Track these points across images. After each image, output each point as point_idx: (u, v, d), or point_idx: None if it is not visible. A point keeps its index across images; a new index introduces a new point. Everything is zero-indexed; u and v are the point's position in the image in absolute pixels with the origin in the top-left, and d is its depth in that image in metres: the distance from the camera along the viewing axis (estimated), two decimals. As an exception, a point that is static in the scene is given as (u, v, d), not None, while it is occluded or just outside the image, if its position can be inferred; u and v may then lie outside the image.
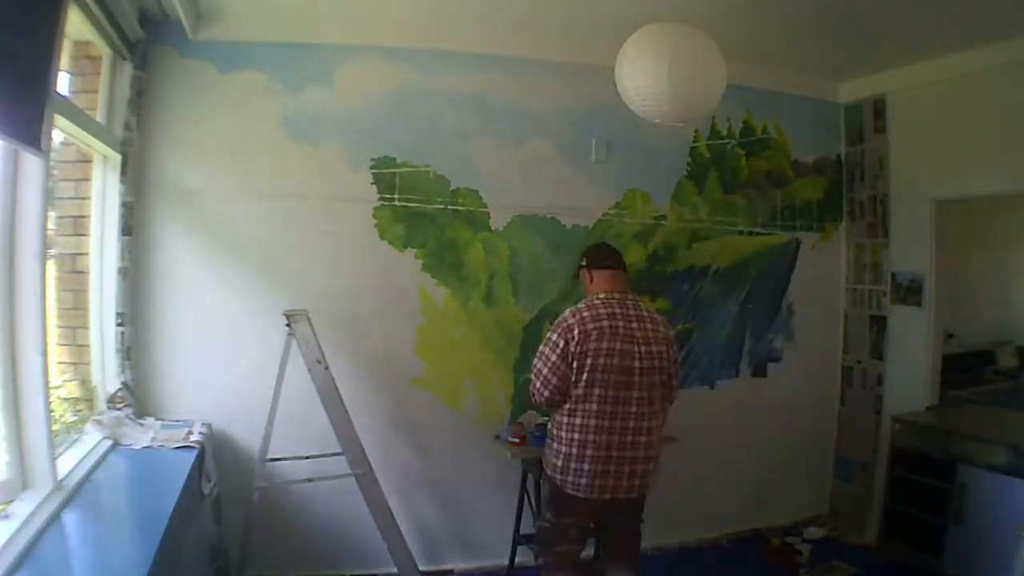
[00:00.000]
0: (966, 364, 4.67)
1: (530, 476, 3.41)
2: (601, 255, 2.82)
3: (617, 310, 2.60)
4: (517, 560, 3.63)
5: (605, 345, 2.51)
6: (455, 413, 3.68)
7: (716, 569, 3.92)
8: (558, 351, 2.54)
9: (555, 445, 2.63)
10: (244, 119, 3.38)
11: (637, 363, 2.54)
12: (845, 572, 3.70)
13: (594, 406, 2.52)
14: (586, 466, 2.54)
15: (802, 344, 4.39)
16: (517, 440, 3.43)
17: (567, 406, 2.57)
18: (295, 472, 3.11)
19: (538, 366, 2.60)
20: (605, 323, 2.55)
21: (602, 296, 2.65)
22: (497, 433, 3.57)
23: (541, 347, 2.63)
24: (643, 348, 2.56)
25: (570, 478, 2.57)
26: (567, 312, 2.63)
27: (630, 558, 2.79)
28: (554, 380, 2.54)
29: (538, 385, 2.60)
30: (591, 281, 2.77)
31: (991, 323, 5.06)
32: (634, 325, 2.59)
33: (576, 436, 2.54)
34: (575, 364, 2.52)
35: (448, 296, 3.67)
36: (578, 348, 2.51)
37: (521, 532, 3.55)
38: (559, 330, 2.58)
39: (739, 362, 4.27)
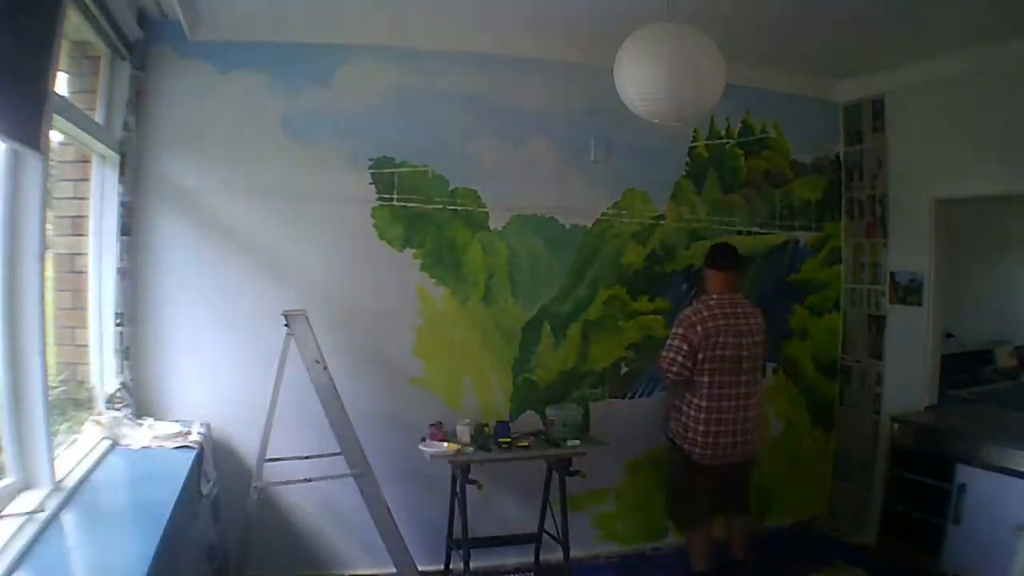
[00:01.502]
0: (965, 364, 4.66)
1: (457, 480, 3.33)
2: (715, 258, 3.47)
3: (728, 309, 3.31)
4: (517, 560, 3.65)
5: (721, 339, 3.24)
6: (454, 413, 3.67)
7: (715, 569, 3.92)
8: (687, 342, 3.26)
9: (683, 419, 3.35)
10: (243, 119, 3.38)
11: (745, 352, 3.28)
12: (848, 572, 3.71)
13: (714, 391, 3.26)
14: (711, 439, 3.27)
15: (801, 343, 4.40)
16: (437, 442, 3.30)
17: (693, 389, 3.30)
18: (294, 472, 3.11)
19: (671, 356, 3.30)
20: (720, 321, 3.26)
21: (715, 298, 3.35)
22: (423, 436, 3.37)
23: (670, 340, 3.35)
24: (747, 340, 3.29)
25: (696, 450, 3.30)
26: (689, 311, 3.35)
27: (743, 511, 3.54)
28: (687, 364, 3.26)
29: (675, 369, 3.29)
30: (708, 280, 3.47)
31: (990, 323, 5.05)
32: (742, 322, 3.31)
33: (702, 415, 3.27)
34: (700, 356, 3.23)
35: (447, 296, 3.67)
36: (701, 342, 3.23)
37: (515, 532, 3.57)
38: (685, 324, 3.30)
39: (738, 362, 4.26)
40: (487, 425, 3.44)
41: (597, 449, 3.49)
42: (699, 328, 3.24)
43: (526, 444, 3.40)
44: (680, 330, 3.31)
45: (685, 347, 3.25)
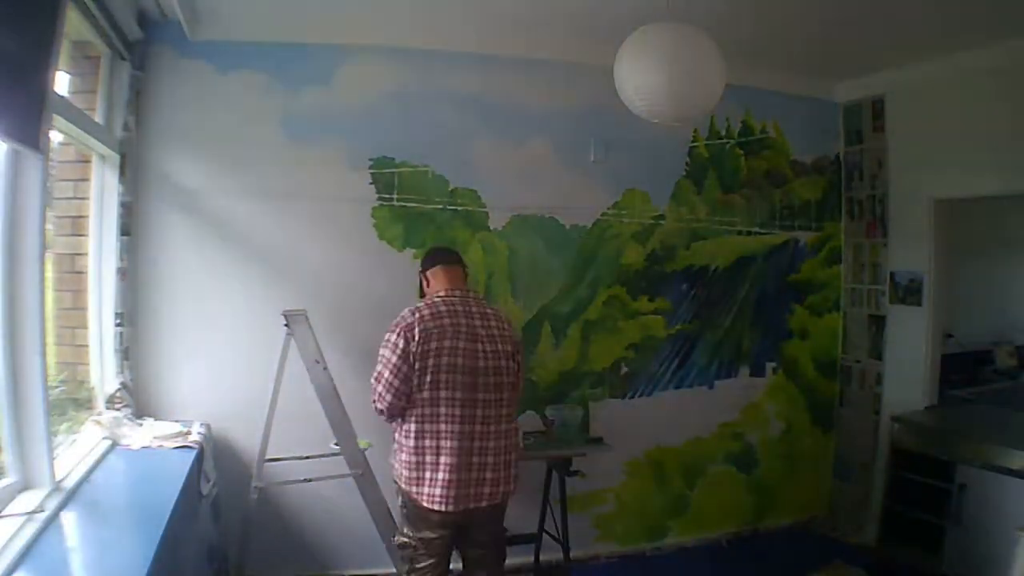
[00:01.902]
0: (965, 364, 4.67)
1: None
2: (435, 255, 2.74)
3: (459, 307, 2.51)
4: (517, 560, 3.65)
5: (448, 343, 2.41)
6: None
7: (715, 570, 3.92)
8: (399, 352, 2.39)
9: (404, 456, 2.46)
10: (243, 119, 3.38)
11: (482, 362, 2.46)
12: (848, 572, 3.71)
13: (441, 410, 2.40)
14: (440, 475, 2.39)
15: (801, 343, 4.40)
16: None
17: (414, 412, 2.42)
18: (294, 472, 3.11)
19: (378, 369, 2.44)
20: (446, 320, 2.45)
21: (441, 295, 2.56)
22: None
23: (380, 350, 2.46)
24: (488, 347, 2.48)
25: (425, 489, 2.41)
26: (406, 311, 2.49)
27: (494, 571, 2.66)
28: (396, 383, 2.39)
29: (380, 390, 2.42)
30: (427, 284, 2.69)
31: (990, 323, 5.06)
32: (477, 323, 2.51)
33: (426, 443, 2.40)
34: (417, 365, 2.39)
35: (447, 296, 3.66)
36: (419, 348, 2.38)
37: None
38: (398, 330, 2.43)
39: (738, 362, 4.27)
40: None
41: (597, 449, 3.49)
42: (417, 329, 2.40)
43: (527, 444, 3.39)
44: (392, 337, 2.43)
45: (396, 360, 2.39)
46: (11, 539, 1.75)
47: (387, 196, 3.57)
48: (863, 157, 4.35)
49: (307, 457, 3.15)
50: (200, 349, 3.33)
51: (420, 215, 3.62)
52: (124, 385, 3.09)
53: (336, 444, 3.05)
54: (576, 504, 3.69)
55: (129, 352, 3.16)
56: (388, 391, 2.41)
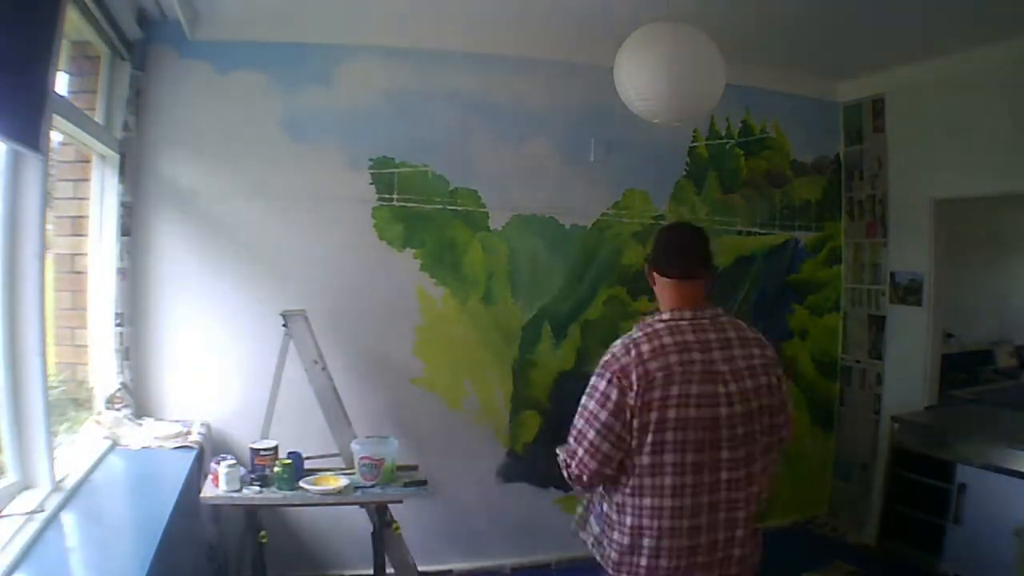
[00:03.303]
0: (965, 364, 4.67)
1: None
2: (668, 252, 1.98)
3: (690, 337, 1.84)
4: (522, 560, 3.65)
5: (676, 391, 1.77)
6: (454, 413, 3.68)
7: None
8: (611, 405, 1.78)
9: (616, 536, 1.89)
10: (243, 119, 3.38)
11: (725, 409, 1.79)
12: (848, 572, 3.71)
13: (668, 480, 1.78)
14: (663, 562, 1.81)
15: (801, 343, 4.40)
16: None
17: (629, 482, 1.82)
18: (294, 472, 3.10)
19: (580, 427, 1.84)
20: (674, 358, 1.80)
21: (666, 318, 1.90)
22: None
23: (584, 399, 1.86)
24: (734, 387, 1.81)
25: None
26: (618, 346, 1.87)
27: None
28: (605, 447, 1.79)
29: (581, 454, 1.82)
30: (654, 286, 2.03)
31: (990, 323, 5.05)
32: (716, 356, 1.83)
33: (646, 523, 1.81)
34: (636, 422, 1.77)
35: (447, 296, 3.67)
36: (639, 400, 1.76)
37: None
38: (609, 374, 1.81)
39: (738, 362, 4.25)
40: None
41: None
42: (635, 375, 1.77)
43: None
44: (601, 385, 1.82)
45: (605, 416, 1.78)
46: (11, 539, 1.75)
47: (387, 196, 3.57)
48: (863, 157, 4.35)
49: (307, 457, 3.14)
50: (200, 349, 3.33)
51: (420, 215, 3.61)
52: (124, 385, 3.09)
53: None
54: (573, 505, 3.68)
55: (129, 352, 3.16)
56: (593, 457, 1.81)
